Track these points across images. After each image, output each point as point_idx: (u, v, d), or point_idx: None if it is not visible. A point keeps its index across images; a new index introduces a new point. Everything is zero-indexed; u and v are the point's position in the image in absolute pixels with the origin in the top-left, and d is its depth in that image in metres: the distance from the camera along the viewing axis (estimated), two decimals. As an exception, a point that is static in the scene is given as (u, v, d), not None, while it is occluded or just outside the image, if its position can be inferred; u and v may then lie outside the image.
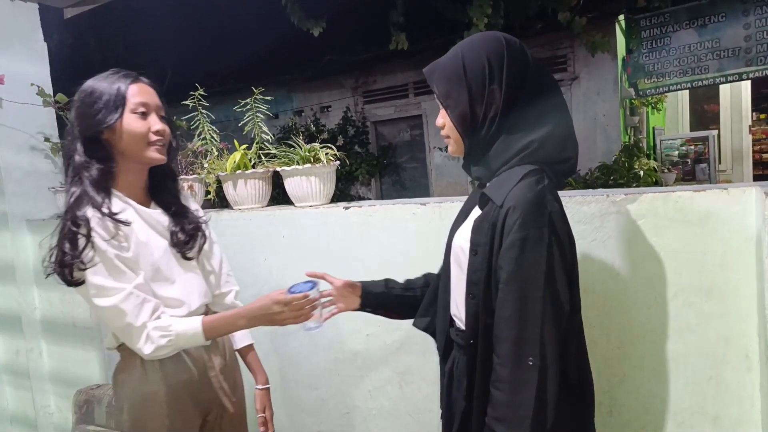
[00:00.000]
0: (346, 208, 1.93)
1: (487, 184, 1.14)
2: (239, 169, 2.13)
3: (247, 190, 2.14)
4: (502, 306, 1.03)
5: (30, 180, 2.68)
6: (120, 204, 1.34)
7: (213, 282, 1.56)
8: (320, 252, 1.99)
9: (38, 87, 2.64)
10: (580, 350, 1.14)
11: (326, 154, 2.05)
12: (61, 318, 2.67)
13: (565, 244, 1.04)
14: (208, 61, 7.11)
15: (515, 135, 1.09)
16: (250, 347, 1.63)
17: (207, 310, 1.50)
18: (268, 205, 2.22)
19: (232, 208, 2.24)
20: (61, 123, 2.78)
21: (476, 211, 1.16)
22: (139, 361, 1.36)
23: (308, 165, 2.01)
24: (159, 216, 1.42)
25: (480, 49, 1.10)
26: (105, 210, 1.27)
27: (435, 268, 1.78)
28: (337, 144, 7.33)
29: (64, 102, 2.66)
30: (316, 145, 2.08)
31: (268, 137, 2.23)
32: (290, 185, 2.07)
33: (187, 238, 1.44)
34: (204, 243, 1.50)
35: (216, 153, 2.30)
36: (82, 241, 1.23)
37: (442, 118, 1.17)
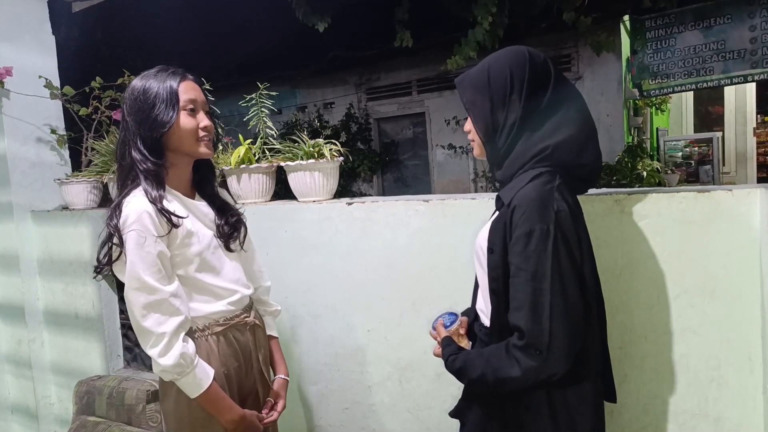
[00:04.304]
0: (350, 203, 1.94)
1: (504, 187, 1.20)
2: (243, 163, 2.13)
3: (251, 184, 2.15)
4: (513, 298, 1.08)
5: (36, 171, 2.69)
6: (171, 198, 1.36)
7: (248, 275, 1.58)
8: (323, 247, 1.99)
9: (46, 79, 2.65)
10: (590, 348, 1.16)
11: (330, 149, 2.05)
12: (64, 309, 2.69)
13: (573, 244, 1.07)
14: (214, 55, 7.11)
15: (532, 141, 1.14)
16: (276, 339, 1.65)
17: (251, 302, 1.54)
18: (271, 200, 2.23)
19: (235, 202, 2.24)
20: (67, 115, 2.79)
21: (495, 213, 1.22)
22: (198, 345, 1.36)
23: (312, 160, 2.01)
24: (204, 208, 1.46)
25: (505, 61, 1.17)
26: (159, 205, 1.29)
27: (436, 265, 1.79)
28: (340, 140, 7.30)
29: (71, 95, 2.67)
30: (320, 140, 2.09)
31: (273, 132, 2.23)
32: (294, 180, 2.07)
33: (231, 230, 1.48)
34: (246, 235, 1.54)
35: (220, 147, 2.30)
36: (119, 236, 1.27)
37: (469, 125, 1.24)
